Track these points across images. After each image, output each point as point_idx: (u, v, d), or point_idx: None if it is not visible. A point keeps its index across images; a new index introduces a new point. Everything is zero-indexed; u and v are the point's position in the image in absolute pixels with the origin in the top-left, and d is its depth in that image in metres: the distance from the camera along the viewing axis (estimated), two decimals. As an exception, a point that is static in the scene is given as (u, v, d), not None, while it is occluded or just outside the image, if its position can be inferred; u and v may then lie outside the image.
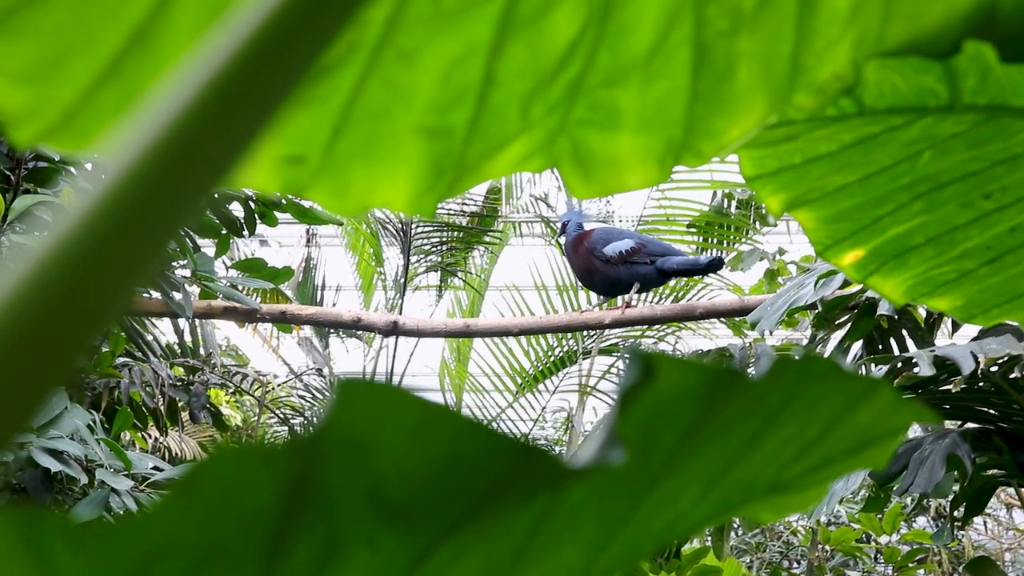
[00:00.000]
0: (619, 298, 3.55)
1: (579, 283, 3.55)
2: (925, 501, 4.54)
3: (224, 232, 3.07)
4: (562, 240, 3.65)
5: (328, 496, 0.21)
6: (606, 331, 4.21)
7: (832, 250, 0.68)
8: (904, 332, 2.57)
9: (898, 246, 0.68)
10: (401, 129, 0.35)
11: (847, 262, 0.69)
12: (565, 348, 4.71)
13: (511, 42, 0.35)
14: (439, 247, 4.86)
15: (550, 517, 0.28)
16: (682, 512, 0.34)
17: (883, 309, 2.09)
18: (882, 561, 4.58)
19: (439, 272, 5.00)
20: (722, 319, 3.83)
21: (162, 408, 3.08)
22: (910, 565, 4.38)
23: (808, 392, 0.33)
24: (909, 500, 3.57)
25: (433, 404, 0.21)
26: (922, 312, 2.62)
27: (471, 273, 4.98)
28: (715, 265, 3.55)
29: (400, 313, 4.46)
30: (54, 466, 2.07)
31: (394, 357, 4.64)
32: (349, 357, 5.53)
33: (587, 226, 3.75)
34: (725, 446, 0.33)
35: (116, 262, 0.12)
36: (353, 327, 3.33)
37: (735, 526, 5.04)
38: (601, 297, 3.66)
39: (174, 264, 2.88)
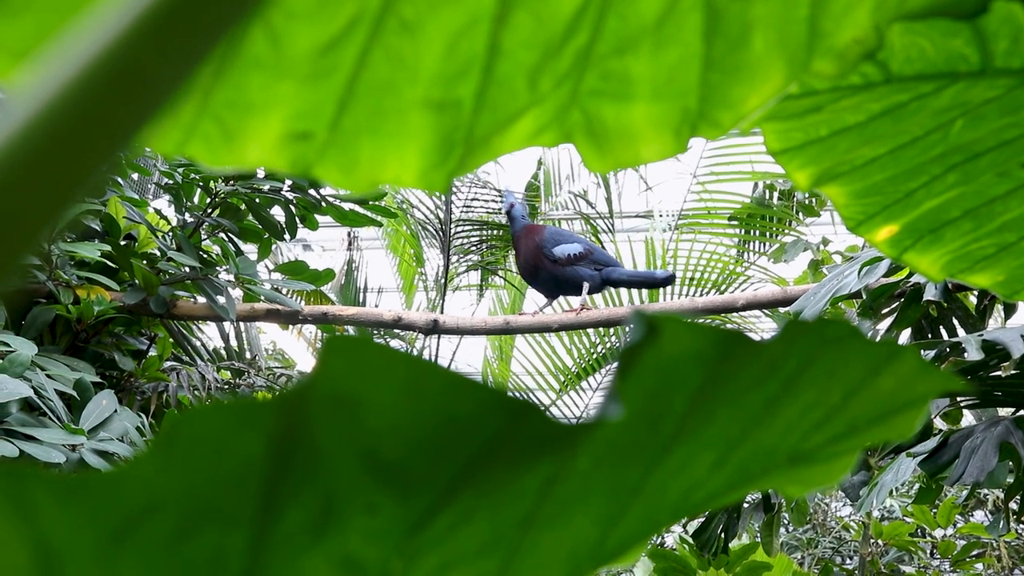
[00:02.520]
0: (576, 300, 3.57)
1: (527, 271, 3.54)
2: (982, 493, 4.43)
3: (266, 236, 3.11)
4: (511, 220, 3.67)
5: (319, 456, 0.21)
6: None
7: (864, 225, 0.66)
8: (954, 320, 2.51)
9: (933, 220, 0.66)
10: (407, 102, 0.35)
11: (880, 238, 0.67)
12: (608, 345, 4.69)
13: (515, 10, 0.35)
14: (479, 246, 4.87)
15: (558, 483, 0.28)
16: (698, 480, 0.34)
17: (930, 295, 2.04)
18: (938, 556, 4.48)
19: (479, 271, 5.01)
20: (765, 311, 3.78)
21: (210, 411, 3.12)
22: (967, 559, 4.27)
23: (826, 356, 0.32)
24: (963, 492, 3.48)
25: (422, 360, 0.20)
26: (972, 299, 2.56)
27: (512, 271, 4.98)
28: (670, 280, 3.62)
29: (441, 312, 4.48)
30: (104, 467, 2.11)
31: (436, 357, 4.66)
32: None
33: (518, 215, 3.76)
34: (740, 411, 0.32)
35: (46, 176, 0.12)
36: (394, 327, 3.35)
37: (785, 522, 4.97)
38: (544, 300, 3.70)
39: (217, 268, 2.93)
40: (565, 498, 0.29)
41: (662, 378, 0.29)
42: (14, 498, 0.18)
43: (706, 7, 0.39)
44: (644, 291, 4.48)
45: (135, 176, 3.31)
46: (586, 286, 3.50)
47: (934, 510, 4.07)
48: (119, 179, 2.89)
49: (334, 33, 0.32)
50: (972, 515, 5.08)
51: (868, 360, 0.33)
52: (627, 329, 0.27)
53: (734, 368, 0.30)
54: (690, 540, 3.11)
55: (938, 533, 4.45)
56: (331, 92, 0.33)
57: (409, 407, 0.21)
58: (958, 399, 2.28)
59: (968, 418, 2.82)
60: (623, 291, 4.55)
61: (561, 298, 3.80)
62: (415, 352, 5.00)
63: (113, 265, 2.84)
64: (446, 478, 0.23)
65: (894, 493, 4.65)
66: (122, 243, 2.84)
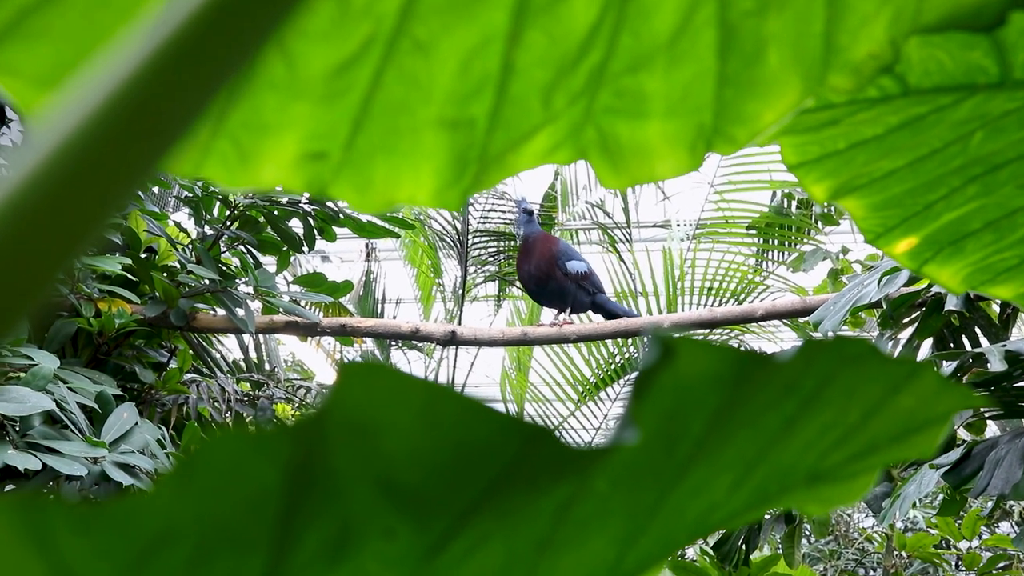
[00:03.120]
0: (561, 316, 3.62)
1: (536, 278, 3.57)
2: (1007, 504, 4.38)
3: (285, 249, 3.12)
4: (522, 225, 3.71)
5: (336, 482, 0.21)
6: (666, 336, 4.15)
7: (884, 238, 0.65)
8: (977, 329, 2.49)
9: (954, 232, 0.65)
10: (421, 122, 0.35)
11: (900, 250, 0.66)
12: (626, 355, 4.67)
13: (528, 30, 0.35)
14: (496, 257, 4.87)
15: (575, 505, 0.28)
16: (717, 501, 0.33)
17: (951, 305, 2.03)
18: (963, 568, 4.42)
19: (497, 282, 5.01)
20: (785, 321, 3.76)
21: (229, 422, 3.15)
22: (994, 572, 4.21)
23: (845, 375, 0.32)
24: (989, 504, 3.44)
25: (438, 386, 0.20)
26: (995, 308, 2.53)
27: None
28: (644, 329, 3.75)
29: (459, 323, 4.49)
30: (126, 480, 2.13)
31: (454, 367, 4.67)
32: (411, 369, 5.58)
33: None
34: (758, 432, 0.32)
35: (61, 220, 0.12)
36: (412, 338, 3.35)
37: (807, 533, 4.92)
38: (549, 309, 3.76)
39: (237, 281, 2.94)
40: (582, 520, 0.29)
41: (679, 400, 0.28)
42: (34, 528, 0.18)
43: (720, 23, 0.39)
44: (663, 301, 4.47)
45: (155, 189, 3.34)
46: (569, 308, 3.58)
47: (959, 522, 4.02)
48: (140, 192, 2.92)
49: (348, 54, 0.32)
50: (998, 527, 5.01)
51: (887, 378, 0.32)
52: (643, 351, 0.27)
53: (752, 389, 0.30)
54: (711, 552, 3.09)
55: (963, 545, 4.39)
56: (346, 112, 0.34)
57: (426, 433, 0.21)
58: (982, 410, 2.25)
59: (992, 428, 2.79)
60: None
61: (546, 312, 3.87)
62: (434, 363, 5.01)
63: (134, 278, 2.87)
64: (463, 502, 0.23)
65: (918, 504, 4.60)
66: (143, 256, 2.87)
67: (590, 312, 3.79)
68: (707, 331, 4.24)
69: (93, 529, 0.18)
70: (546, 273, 3.59)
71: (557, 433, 0.22)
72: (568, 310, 3.62)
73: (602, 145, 0.41)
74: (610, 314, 3.73)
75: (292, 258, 3.30)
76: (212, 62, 0.12)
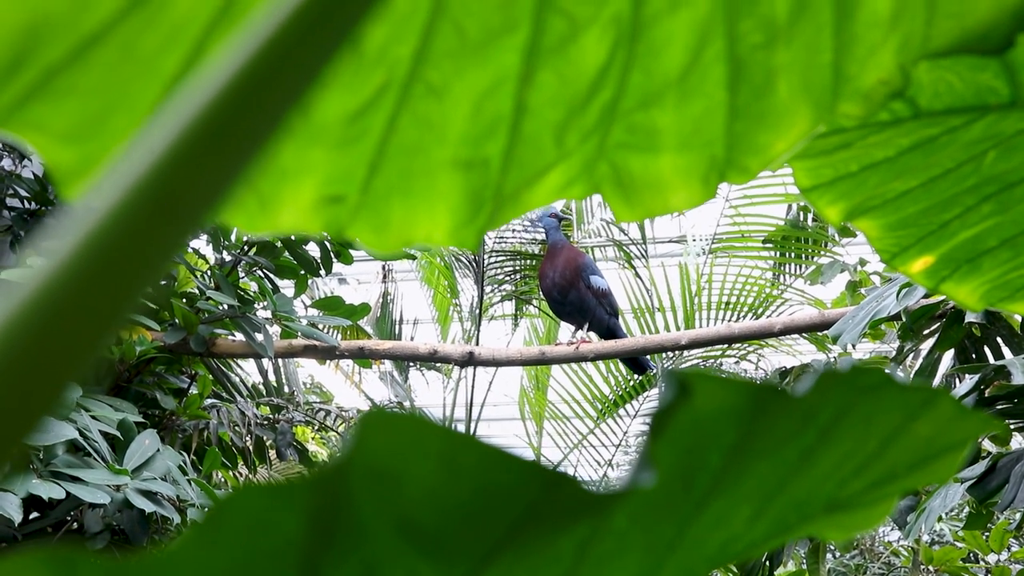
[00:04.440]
0: (579, 333, 3.62)
1: (560, 287, 3.58)
2: (1034, 516, 4.31)
3: (302, 272, 3.15)
4: (549, 231, 3.71)
5: (360, 528, 0.22)
6: (685, 352, 4.15)
7: (899, 258, 0.66)
8: (999, 340, 2.46)
9: (970, 250, 0.65)
10: (436, 163, 0.36)
11: (916, 269, 0.66)
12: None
13: (540, 71, 0.35)
14: (513, 276, 4.88)
15: (594, 543, 0.28)
16: (736, 534, 0.33)
17: (971, 317, 2.01)
18: (991, 581, 4.36)
19: (514, 301, 5.02)
20: (804, 335, 3.74)
21: (250, 447, 3.16)
22: (1022, 585, 4.15)
23: (861, 405, 0.32)
24: (1016, 516, 3.39)
25: (457, 433, 0.21)
26: (1017, 319, 2.51)
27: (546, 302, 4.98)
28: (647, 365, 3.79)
29: (476, 343, 4.49)
30: (148, 507, 2.14)
31: (473, 387, 4.67)
32: (429, 389, 5.58)
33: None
34: (776, 464, 0.32)
35: (97, 303, 0.13)
36: (430, 359, 3.36)
37: (831, 548, 4.87)
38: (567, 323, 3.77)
39: (255, 306, 2.96)
40: (602, 557, 0.29)
41: (696, 435, 0.29)
42: (65, 584, 0.18)
43: (729, 58, 0.39)
44: (680, 317, 4.46)
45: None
46: (587, 324, 3.60)
47: (986, 535, 3.97)
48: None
49: (363, 100, 0.33)
50: (1026, 538, 4.94)
51: (904, 407, 0.33)
52: (659, 389, 0.27)
53: (769, 422, 0.30)
54: (734, 568, 3.07)
55: (991, 558, 4.33)
56: (362, 156, 0.34)
57: (446, 479, 0.21)
58: (1007, 421, 2.23)
59: (1018, 440, 2.76)
60: (633, 323, 4.59)
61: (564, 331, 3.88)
62: (452, 383, 5.01)
63: (153, 305, 2.89)
64: (485, 546, 0.23)
65: (944, 518, 4.54)
66: (162, 283, 2.90)
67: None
68: (726, 346, 4.22)
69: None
70: (570, 283, 3.59)
71: (574, 472, 0.23)
72: (587, 326, 3.61)
73: (615, 180, 0.41)
74: (616, 337, 3.74)
75: (309, 282, 3.33)
76: (243, 137, 0.13)
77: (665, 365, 4.54)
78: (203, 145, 0.13)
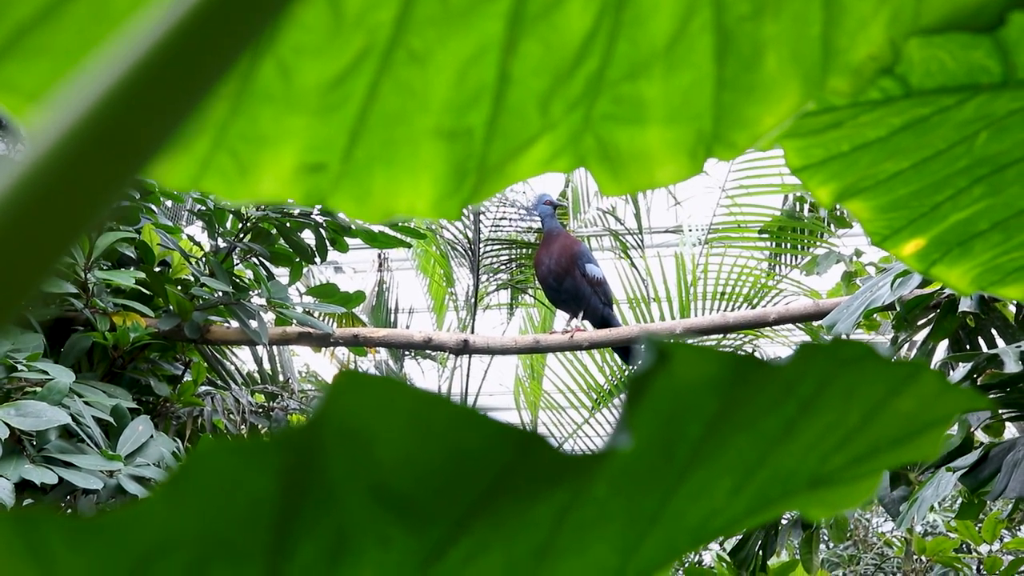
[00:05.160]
0: (574, 321, 3.62)
1: (556, 274, 3.57)
2: (1027, 507, 4.32)
3: (297, 260, 3.14)
4: (544, 218, 3.71)
5: (331, 490, 0.21)
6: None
7: (890, 240, 0.65)
8: (993, 331, 2.47)
9: (961, 233, 0.65)
10: (419, 132, 0.35)
11: (907, 252, 0.66)
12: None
13: (524, 39, 0.35)
14: (508, 265, 4.88)
15: (573, 511, 0.28)
16: (718, 507, 0.33)
17: (965, 306, 2.01)
18: (984, 572, 4.38)
19: (509, 290, 5.01)
20: (799, 324, 3.74)
21: (244, 434, 3.16)
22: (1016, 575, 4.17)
23: (843, 377, 0.32)
24: (1008, 506, 3.41)
25: (427, 393, 0.21)
26: (1012, 309, 2.51)
27: (541, 289, 4.98)
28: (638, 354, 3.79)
29: (472, 332, 4.49)
30: (141, 493, 2.14)
31: (468, 376, 4.67)
32: (425, 378, 5.58)
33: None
34: (757, 435, 0.32)
35: (29, 241, 0.12)
36: (424, 347, 3.36)
37: (825, 538, 4.89)
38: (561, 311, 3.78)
39: (250, 293, 2.96)
40: (581, 525, 0.29)
41: (676, 404, 0.28)
42: (30, 542, 0.18)
43: (717, 28, 0.39)
44: (676, 307, 4.46)
45: (168, 203, 3.36)
46: (582, 313, 3.59)
47: (979, 525, 3.98)
48: (153, 207, 2.94)
49: (343, 66, 0.33)
50: (1019, 529, 4.96)
51: (887, 381, 0.32)
52: (638, 358, 0.27)
53: (749, 393, 0.30)
54: (727, 558, 3.08)
55: (984, 549, 4.35)
56: (343, 124, 0.34)
57: (417, 440, 0.21)
58: (1000, 412, 2.23)
59: (1011, 430, 2.77)
60: (628, 313, 4.59)
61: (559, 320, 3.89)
62: (447, 371, 5.01)
63: (148, 292, 2.89)
64: (458, 510, 0.23)
65: (936, 508, 4.56)
66: (156, 270, 2.89)
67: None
68: (720, 336, 4.22)
69: (88, 542, 0.19)
70: (565, 270, 3.59)
71: (553, 440, 0.22)
72: (581, 314, 3.61)
73: (601, 152, 0.41)
74: (610, 326, 3.74)
75: (304, 269, 3.32)
76: (193, 71, 0.12)
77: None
78: (145, 85, 0.12)
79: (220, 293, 2.88)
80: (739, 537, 3.14)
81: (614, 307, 3.81)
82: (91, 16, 0.27)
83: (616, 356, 4.58)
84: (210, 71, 0.14)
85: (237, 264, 3.11)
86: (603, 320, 3.68)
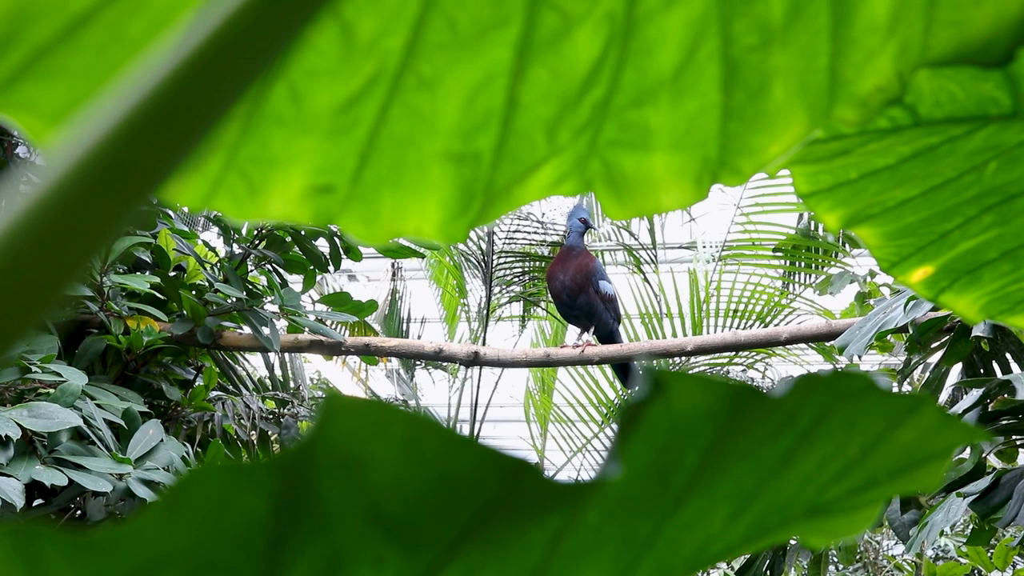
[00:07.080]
0: (584, 336, 3.65)
1: (570, 289, 3.58)
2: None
3: (311, 268, 3.15)
4: (573, 233, 3.71)
5: (325, 512, 0.22)
6: (691, 359, 4.15)
7: (899, 267, 0.65)
8: (1007, 355, 2.45)
9: (970, 261, 0.65)
10: (427, 156, 0.36)
11: (916, 279, 0.66)
12: (651, 377, 4.63)
13: (532, 66, 0.36)
14: (521, 277, 4.88)
15: (566, 537, 0.28)
16: (713, 534, 0.33)
17: (977, 331, 2.00)
18: (995, 598, 4.32)
19: (522, 302, 5.02)
20: (812, 344, 3.73)
21: (254, 440, 3.17)
22: (1026, 603, 4.12)
23: (843, 409, 0.32)
24: (1022, 532, 3.37)
25: (421, 419, 0.21)
26: (1026, 334, 2.49)
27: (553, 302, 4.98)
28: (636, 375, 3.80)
29: (483, 343, 4.49)
30: (150, 496, 2.15)
31: (478, 388, 4.67)
32: (435, 389, 5.59)
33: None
34: (755, 465, 0.32)
35: (36, 271, 0.13)
36: (435, 358, 3.36)
37: (834, 560, 4.85)
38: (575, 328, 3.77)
39: (263, 300, 2.97)
40: (575, 551, 0.29)
41: (672, 433, 0.29)
42: (27, 557, 0.19)
43: (724, 59, 0.39)
44: (688, 324, 4.46)
45: (185, 209, 3.39)
46: (592, 328, 3.61)
47: (990, 551, 3.94)
48: (170, 212, 2.97)
49: (354, 91, 0.33)
50: (1031, 556, 4.90)
51: (887, 413, 0.33)
52: (637, 384, 0.27)
53: (747, 423, 0.30)
54: (734, 578, 3.06)
55: (995, 575, 4.30)
56: (352, 147, 0.34)
57: (411, 464, 0.22)
58: (1014, 437, 2.22)
59: (1023, 457, 2.74)
60: (640, 328, 4.59)
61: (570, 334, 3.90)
62: (458, 383, 5.01)
63: (162, 296, 2.91)
64: (451, 533, 0.23)
65: (947, 533, 4.51)
66: (171, 275, 2.91)
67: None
68: (733, 354, 4.21)
69: (84, 557, 0.19)
70: (580, 287, 3.60)
71: (541, 466, 0.23)
72: (592, 330, 3.62)
73: (607, 177, 0.41)
74: (613, 343, 3.75)
75: (318, 277, 3.34)
76: (209, 95, 0.13)
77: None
78: (156, 116, 0.13)
79: (233, 299, 2.90)
80: (746, 557, 3.12)
81: (620, 323, 3.82)
82: (108, 39, 0.28)
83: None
84: (225, 96, 0.15)
85: (251, 271, 3.13)
86: (610, 336, 3.69)
